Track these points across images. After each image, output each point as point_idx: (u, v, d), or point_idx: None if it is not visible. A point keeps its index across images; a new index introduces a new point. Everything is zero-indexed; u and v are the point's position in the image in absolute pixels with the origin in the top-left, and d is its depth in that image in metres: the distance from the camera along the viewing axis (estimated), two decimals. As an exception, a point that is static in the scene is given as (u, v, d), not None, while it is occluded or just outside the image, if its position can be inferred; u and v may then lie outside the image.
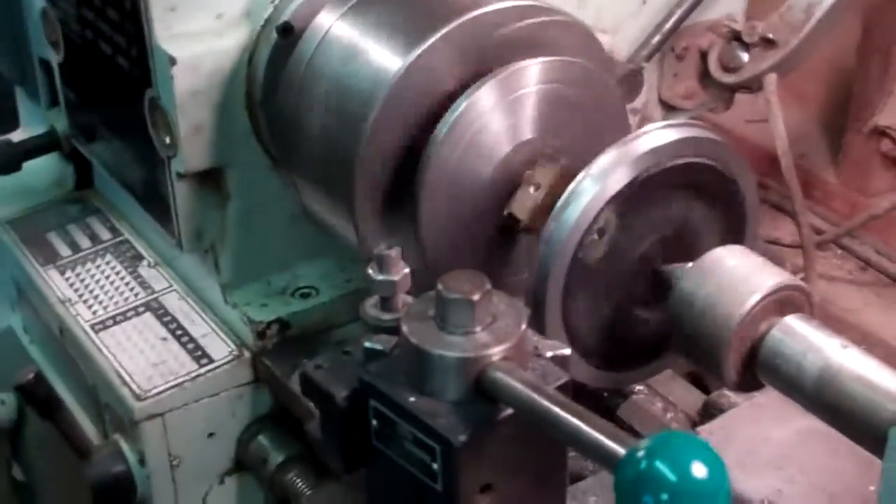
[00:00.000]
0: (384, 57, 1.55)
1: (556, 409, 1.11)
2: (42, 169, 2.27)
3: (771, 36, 1.98)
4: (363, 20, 1.62)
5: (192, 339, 1.87)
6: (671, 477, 0.95)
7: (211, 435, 1.85)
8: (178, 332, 1.89)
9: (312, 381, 1.29)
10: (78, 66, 1.99)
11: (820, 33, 1.99)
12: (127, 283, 2.01)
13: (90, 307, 1.96)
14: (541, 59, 1.53)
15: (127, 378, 1.81)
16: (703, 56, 2.08)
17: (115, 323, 1.93)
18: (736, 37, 2.03)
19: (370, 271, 1.29)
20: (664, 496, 0.95)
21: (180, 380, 1.81)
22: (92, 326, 1.92)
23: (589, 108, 1.57)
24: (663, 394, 1.69)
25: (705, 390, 1.70)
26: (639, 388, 1.69)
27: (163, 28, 1.67)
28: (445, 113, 1.51)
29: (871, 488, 1.36)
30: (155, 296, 1.98)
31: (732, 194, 1.50)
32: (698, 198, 1.48)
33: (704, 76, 2.10)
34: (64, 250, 2.12)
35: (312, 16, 1.66)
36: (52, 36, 2.01)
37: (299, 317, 1.83)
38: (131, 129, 1.82)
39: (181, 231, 1.81)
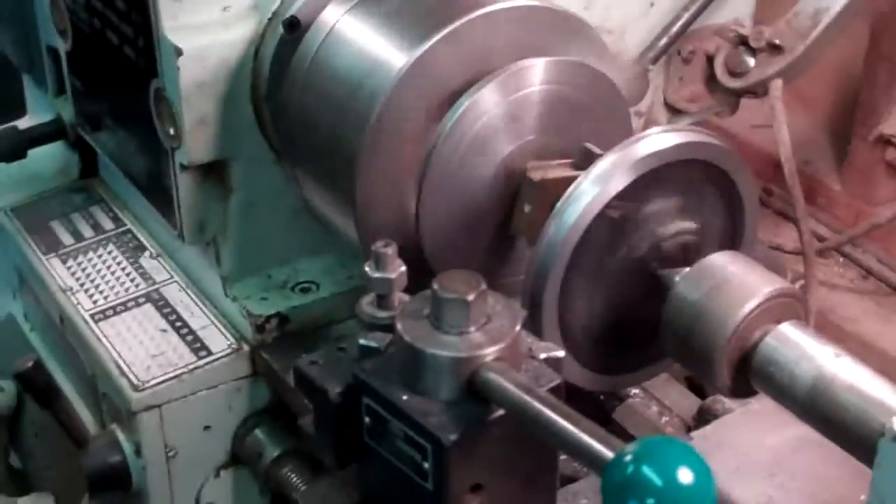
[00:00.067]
0: (389, 53, 1.55)
1: (547, 412, 1.11)
2: (47, 157, 2.28)
3: (777, 42, 1.98)
4: (369, 16, 1.63)
5: (191, 332, 1.88)
6: (657, 482, 0.95)
7: (207, 428, 1.85)
8: (178, 324, 1.90)
9: (306, 376, 1.30)
10: (85, 54, 1.99)
11: (826, 40, 1.98)
12: (128, 274, 2.02)
13: (91, 296, 1.97)
14: (544, 59, 1.54)
15: (125, 368, 1.82)
16: (710, 60, 2.08)
17: (116, 313, 1.93)
18: (743, 42, 2.03)
19: (367, 268, 1.30)
20: (650, 501, 0.95)
21: (178, 372, 1.81)
22: (92, 316, 1.93)
23: (591, 110, 1.57)
24: (659, 398, 1.69)
25: (701, 395, 1.70)
26: (634, 391, 1.69)
27: (169, 19, 1.67)
28: (448, 110, 1.51)
29: (862, 497, 1.36)
30: (156, 287, 1.98)
31: (732, 199, 1.50)
32: (697, 202, 1.48)
33: (710, 80, 2.09)
34: (67, 239, 2.12)
35: (319, 10, 1.66)
36: (60, 24, 2.02)
37: (299, 311, 1.84)
38: (136, 120, 1.82)
39: (183, 222, 1.81)
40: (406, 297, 1.29)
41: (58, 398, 1.89)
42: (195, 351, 1.84)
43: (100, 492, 1.88)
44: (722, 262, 1.39)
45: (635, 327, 1.48)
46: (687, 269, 1.40)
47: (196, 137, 1.72)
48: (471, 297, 1.19)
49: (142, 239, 2.10)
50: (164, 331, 1.89)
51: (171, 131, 1.73)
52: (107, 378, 1.85)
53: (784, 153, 1.96)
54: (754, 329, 1.33)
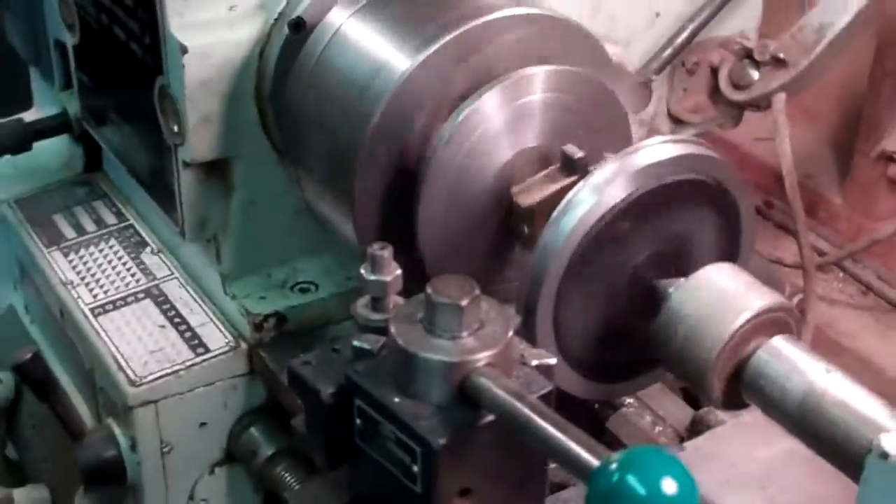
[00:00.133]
0: (393, 56, 1.56)
1: (535, 418, 1.12)
2: (52, 150, 2.29)
3: (782, 55, 1.99)
4: (374, 19, 1.63)
5: (189, 328, 1.89)
6: (641, 491, 0.96)
7: (203, 424, 1.86)
8: (177, 321, 1.90)
9: (300, 376, 1.30)
10: (92, 49, 2.00)
11: (831, 55, 1.99)
12: (129, 269, 2.02)
13: (91, 290, 1.98)
14: (546, 67, 1.54)
15: (123, 363, 1.82)
16: (714, 72, 2.09)
17: (115, 308, 1.94)
18: (747, 54, 2.04)
19: (362, 271, 1.30)
20: (634, 510, 0.96)
21: (176, 368, 1.82)
22: (92, 310, 1.94)
23: (592, 119, 1.58)
24: (653, 407, 1.70)
25: (696, 406, 1.71)
26: (629, 400, 1.69)
27: (176, 16, 1.68)
28: (450, 116, 1.52)
29: (850, 512, 1.36)
30: (156, 283, 1.99)
31: (729, 212, 1.51)
32: (695, 213, 1.48)
33: (714, 92, 2.10)
34: (69, 232, 2.13)
35: (325, 12, 1.67)
36: (68, 18, 2.03)
37: (297, 311, 1.84)
38: (141, 116, 1.83)
39: (185, 219, 1.82)
40: (401, 301, 1.30)
41: (55, 391, 1.90)
42: (193, 348, 1.85)
43: (94, 485, 1.89)
44: (717, 274, 1.40)
45: (630, 336, 1.48)
46: (682, 280, 1.41)
47: (199, 135, 1.72)
48: (464, 303, 1.20)
49: (143, 234, 2.11)
50: (163, 327, 1.89)
51: (175, 128, 1.74)
52: (104, 372, 1.85)
53: (785, 166, 1.97)
54: (747, 342, 1.33)
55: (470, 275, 1.25)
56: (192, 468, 1.89)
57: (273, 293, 1.86)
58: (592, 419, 1.67)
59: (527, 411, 1.13)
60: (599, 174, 1.41)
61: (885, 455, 1.09)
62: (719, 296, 1.37)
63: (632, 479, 0.96)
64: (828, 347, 2.08)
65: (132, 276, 2.01)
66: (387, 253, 1.29)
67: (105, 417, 1.91)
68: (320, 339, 1.82)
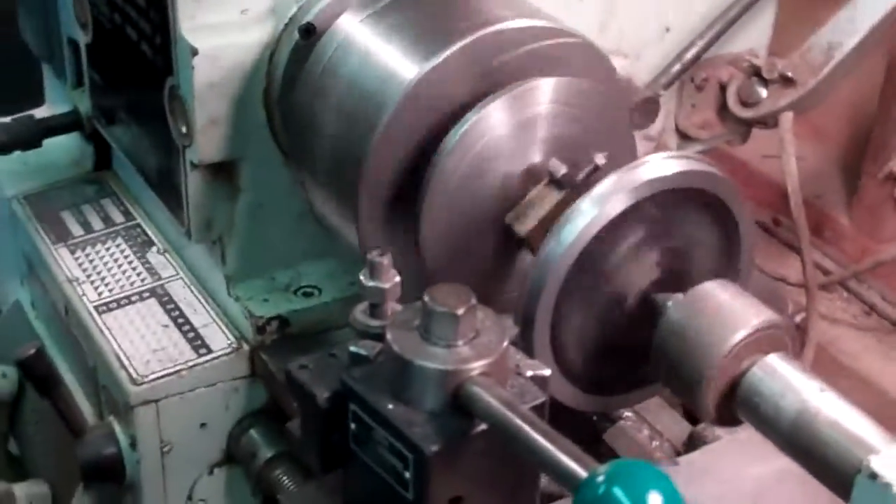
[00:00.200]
0: (400, 64, 1.57)
1: (526, 428, 1.12)
2: (63, 147, 2.30)
3: (790, 74, 1.99)
4: (383, 26, 1.64)
5: (192, 329, 1.90)
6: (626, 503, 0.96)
7: (204, 425, 1.87)
8: (180, 321, 1.91)
9: (296, 380, 1.32)
10: (104, 48, 2.01)
11: (839, 76, 1.99)
12: (135, 268, 2.04)
13: (96, 288, 1.99)
14: (552, 79, 1.55)
15: (125, 362, 1.84)
16: (723, 88, 2.10)
17: (119, 306, 1.95)
18: (756, 72, 2.04)
19: (361, 277, 1.31)
20: (619, 522, 0.96)
21: (178, 368, 1.83)
22: (96, 307, 1.95)
23: (596, 131, 1.59)
24: (651, 422, 1.70)
25: (694, 421, 1.71)
26: (627, 414, 1.69)
27: (187, 18, 1.69)
28: (455, 124, 1.53)
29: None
30: (161, 282, 2.00)
31: (730, 229, 1.51)
32: (695, 229, 1.49)
33: (722, 108, 2.11)
34: (76, 230, 2.14)
35: (335, 18, 1.68)
36: (82, 17, 2.04)
37: (299, 315, 1.85)
38: (150, 116, 1.84)
39: (191, 220, 1.83)
40: (399, 307, 1.31)
41: (57, 387, 1.91)
42: (195, 348, 1.86)
43: (93, 482, 1.90)
44: (714, 290, 1.40)
45: (627, 349, 1.49)
46: (679, 295, 1.41)
47: (207, 137, 1.74)
48: (460, 311, 1.21)
49: (150, 234, 2.12)
50: (166, 326, 1.90)
51: (184, 129, 1.75)
52: (107, 370, 1.86)
53: (791, 185, 1.97)
54: (742, 359, 1.34)
55: (472, 284, 1.26)
56: (191, 468, 1.90)
57: (276, 296, 1.87)
58: (590, 432, 1.68)
59: (518, 421, 1.14)
60: (600, 187, 1.41)
61: (874, 476, 1.09)
62: (716, 312, 1.37)
63: (618, 492, 0.97)
64: (829, 366, 2.08)
65: (137, 275, 2.02)
66: (386, 260, 1.30)
67: (107, 415, 1.92)
68: (322, 344, 1.81)
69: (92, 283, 2.00)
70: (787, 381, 1.31)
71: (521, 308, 1.42)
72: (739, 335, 1.34)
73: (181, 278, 2.01)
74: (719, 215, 1.50)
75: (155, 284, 2.00)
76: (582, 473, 1.04)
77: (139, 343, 1.87)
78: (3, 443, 2.32)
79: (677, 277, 1.46)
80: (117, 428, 1.87)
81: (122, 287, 1.99)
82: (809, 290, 1.99)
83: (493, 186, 1.55)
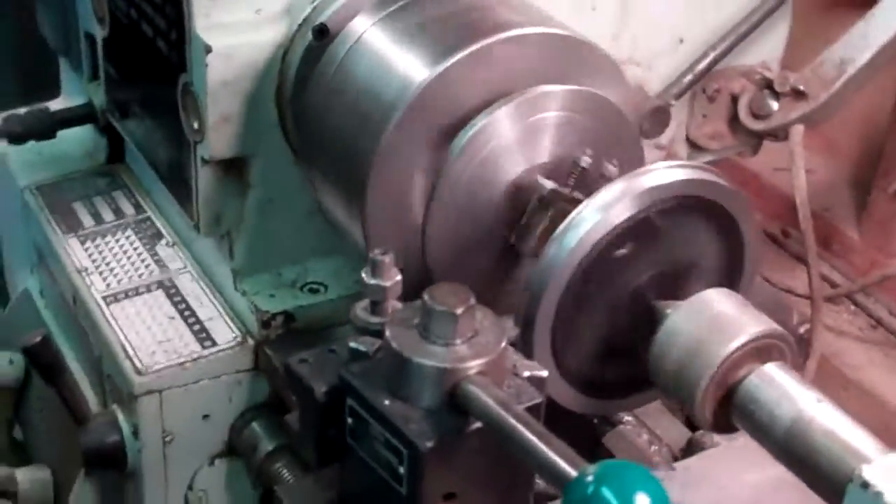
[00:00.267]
0: (411, 67, 1.58)
1: (520, 427, 1.14)
2: (77, 139, 2.32)
3: (801, 88, 2.00)
4: (396, 29, 1.65)
5: (198, 321, 1.91)
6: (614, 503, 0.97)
7: (206, 417, 1.88)
8: (187, 313, 1.93)
9: (295, 373, 1.33)
10: (120, 43, 2.03)
11: (850, 90, 2.00)
12: (143, 260, 2.05)
13: (105, 279, 2.01)
14: (561, 86, 1.56)
15: (131, 352, 1.85)
16: (734, 100, 2.10)
17: (127, 297, 1.97)
18: (768, 85, 2.05)
19: (363, 274, 1.33)
20: (606, 522, 0.97)
21: (182, 359, 1.84)
22: (104, 298, 1.97)
23: (603, 140, 1.59)
24: (651, 426, 1.71)
25: (694, 427, 1.72)
26: (627, 418, 1.70)
27: (202, 16, 1.70)
28: (464, 128, 1.54)
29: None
30: (169, 275, 2.02)
31: (734, 239, 1.52)
32: (698, 238, 1.50)
33: (733, 120, 2.11)
34: (87, 221, 2.16)
35: (348, 20, 1.69)
36: (99, 11, 2.06)
37: (305, 311, 1.86)
38: (163, 111, 1.86)
39: (200, 214, 1.85)
40: (399, 305, 1.32)
41: (62, 375, 1.92)
42: (201, 341, 1.87)
43: (95, 469, 1.92)
44: (715, 298, 1.41)
45: (627, 354, 1.49)
46: (680, 302, 1.42)
47: (219, 133, 1.75)
48: (459, 311, 1.22)
49: (160, 227, 2.14)
50: (173, 318, 1.92)
51: (196, 125, 1.77)
52: (112, 360, 1.88)
53: (799, 197, 1.98)
54: (739, 367, 1.34)
55: (475, 285, 1.28)
56: (192, 458, 1.91)
57: (283, 292, 1.88)
58: (590, 435, 1.69)
59: (512, 420, 1.15)
60: (605, 194, 1.42)
61: (865, 485, 1.10)
62: (716, 319, 1.38)
63: (606, 492, 0.98)
64: (833, 378, 2.09)
65: (146, 267, 2.03)
66: (388, 258, 1.32)
67: (111, 404, 1.93)
68: (326, 340, 1.80)
69: (100, 273, 2.02)
70: (783, 389, 1.32)
71: (522, 310, 1.43)
72: (737, 343, 1.34)
73: (189, 271, 2.02)
74: (723, 225, 1.51)
75: (163, 277, 2.01)
76: (572, 473, 1.05)
77: (145, 334, 1.89)
78: (8, 428, 2.34)
79: (679, 285, 1.47)
80: (120, 416, 1.88)
81: (130, 278, 2.01)
82: (815, 302, 1.99)
83: (499, 191, 1.56)
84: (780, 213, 2.36)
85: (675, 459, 1.66)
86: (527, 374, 1.28)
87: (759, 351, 1.36)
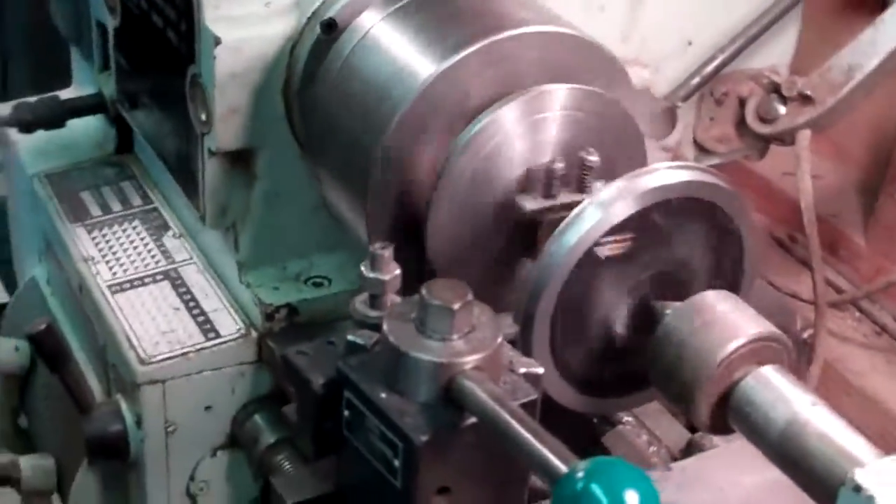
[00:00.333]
0: (417, 63, 1.58)
1: (513, 423, 1.14)
2: (87, 129, 2.33)
3: (809, 93, 2.00)
4: (404, 25, 1.66)
5: (202, 313, 1.91)
6: (603, 500, 0.98)
7: (209, 408, 1.89)
8: (191, 304, 1.93)
9: (293, 365, 1.34)
10: (131, 33, 2.03)
11: (858, 96, 2.00)
12: (149, 250, 2.06)
13: (111, 268, 2.01)
14: (567, 85, 1.56)
15: (135, 342, 1.86)
16: (742, 103, 2.11)
17: (132, 287, 1.97)
18: (775, 89, 2.05)
19: (362, 268, 1.33)
20: (595, 518, 0.98)
21: (186, 350, 1.85)
22: (109, 287, 1.97)
23: (607, 140, 1.60)
24: (650, 427, 1.71)
25: (693, 429, 1.72)
26: (627, 418, 1.71)
27: (212, 8, 1.71)
28: (468, 125, 1.54)
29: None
30: (174, 266, 2.02)
31: (734, 241, 1.52)
32: (698, 239, 1.50)
33: (740, 123, 2.12)
34: (95, 210, 2.16)
35: (357, 14, 1.70)
36: (110, 1, 2.06)
37: (308, 304, 1.87)
38: (171, 102, 1.87)
39: (206, 205, 1.85)
40: (398, 299, 1.33)
41: (67, 363, 1.93)
42: (204, 332, 1.88)
43: (98, 458, 1.92)
44: (713, 300, 1.41)
45: (625, 353, 1.50)
46: (678, 303, 1.42)
47: (226, 125, 1.76)
48: (456, 306, 1.23)
49: (167, 218, 2.15)
50: (177, 309, 1.92)
51: (203, 117, 1.77)
52: (116, 349, 1.89)
53: (805, 202, 1.98)
54: (736, 368, 1.35)
55: (476, 281, 1.28)
56: (194, 449, 1.92)
57: (287, 285, 1.89)
58: (589, 434, 1.69)
59: (506, 416, 1.15)
60: (605, 192, 1.43)
61: (858, 488, 1.10)
62: (713, 321, 1.38)
63: (595, 488, 0.99)
64: (836, 384, 2.09)
65: (152, 257, 2.04)
66: (387, 253, 1.32)
67: (114, 393, 1.94)
68: (329, 334, 1.83)
69: (107, 262, 2.02)
70: (779, 392, 1.32)
71: (521, 307, 1.44)
72: (734, 344, 1.35)
73: (195, 263, 2.03)
74: (725, 227, 1.51)
75: (169, 267, 2.02)
76: (563, 469, 1.06)
77: (149, 324, 1.89)
78: (12, 416, 2.35)
79: (678, 286, 1.48)
80: (124, 406, 1.89)
81: (136, 268, 2.01)
82: (819, 307, 2.00)
83: (501, 187, 1.56)
84: (788, 218, 2.36)
85: (675, 460, 1.66)
86: (523, 370, 1.28)
87: (758, 353, 1.36)
